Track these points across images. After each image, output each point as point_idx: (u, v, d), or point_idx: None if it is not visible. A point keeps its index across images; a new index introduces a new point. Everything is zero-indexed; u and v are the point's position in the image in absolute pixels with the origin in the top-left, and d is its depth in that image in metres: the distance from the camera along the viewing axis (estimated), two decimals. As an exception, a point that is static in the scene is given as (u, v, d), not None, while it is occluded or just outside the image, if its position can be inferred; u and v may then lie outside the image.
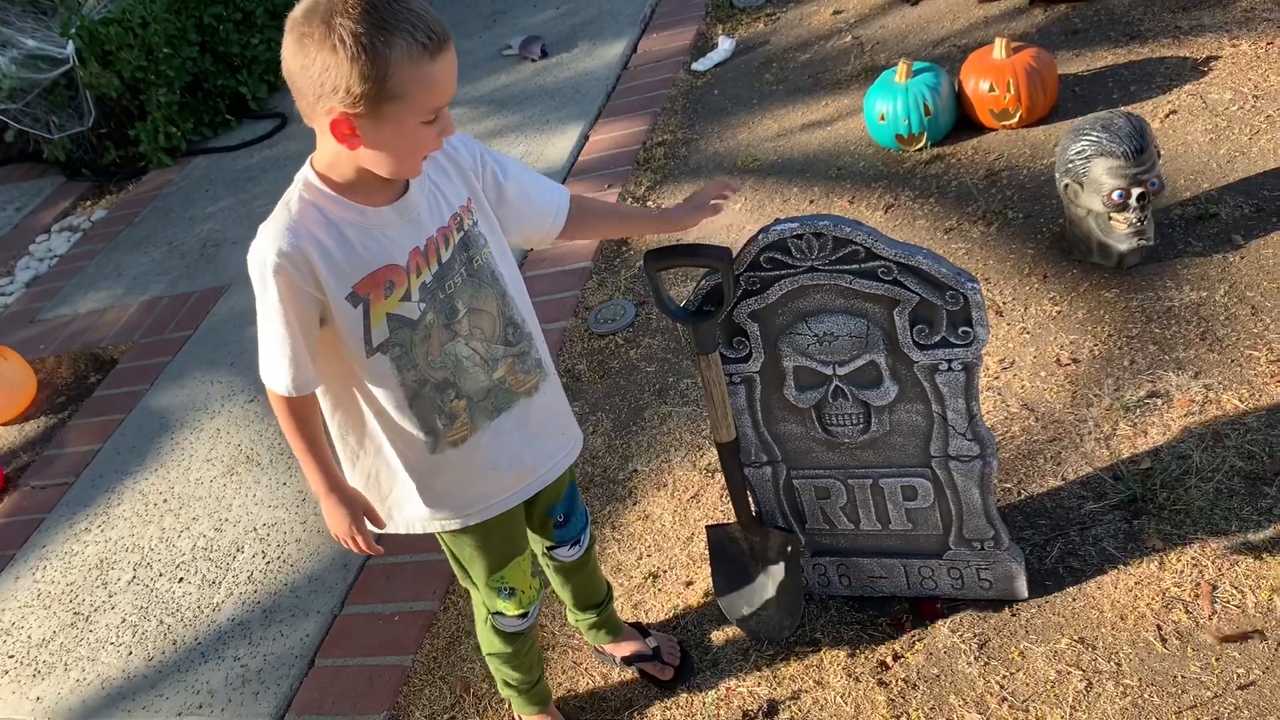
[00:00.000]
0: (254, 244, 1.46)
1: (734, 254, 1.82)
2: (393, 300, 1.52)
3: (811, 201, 3.44)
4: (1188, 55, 3.45)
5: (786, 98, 4.12)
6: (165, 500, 3.15)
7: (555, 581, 2.07)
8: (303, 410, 1.58)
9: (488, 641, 1.98)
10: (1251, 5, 3.57)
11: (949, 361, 1.83)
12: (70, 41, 5.21)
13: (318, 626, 2.55)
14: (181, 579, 2.84)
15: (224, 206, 4.88)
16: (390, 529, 1.73)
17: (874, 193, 3.36)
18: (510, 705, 2.15)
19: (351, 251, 1.48)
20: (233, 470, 3.16)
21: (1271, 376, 2.31)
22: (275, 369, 1.52)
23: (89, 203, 5.55)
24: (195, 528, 3.00)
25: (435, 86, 1.37)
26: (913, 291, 1.78)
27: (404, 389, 1.58)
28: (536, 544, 1.98)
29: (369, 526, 1.66)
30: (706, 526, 2.15)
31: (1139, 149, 2.58)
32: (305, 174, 1.49)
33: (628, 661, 2.17)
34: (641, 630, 2.20)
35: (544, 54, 5.15)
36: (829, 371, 1.89)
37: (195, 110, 5.61)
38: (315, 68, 1.32)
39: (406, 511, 1.72)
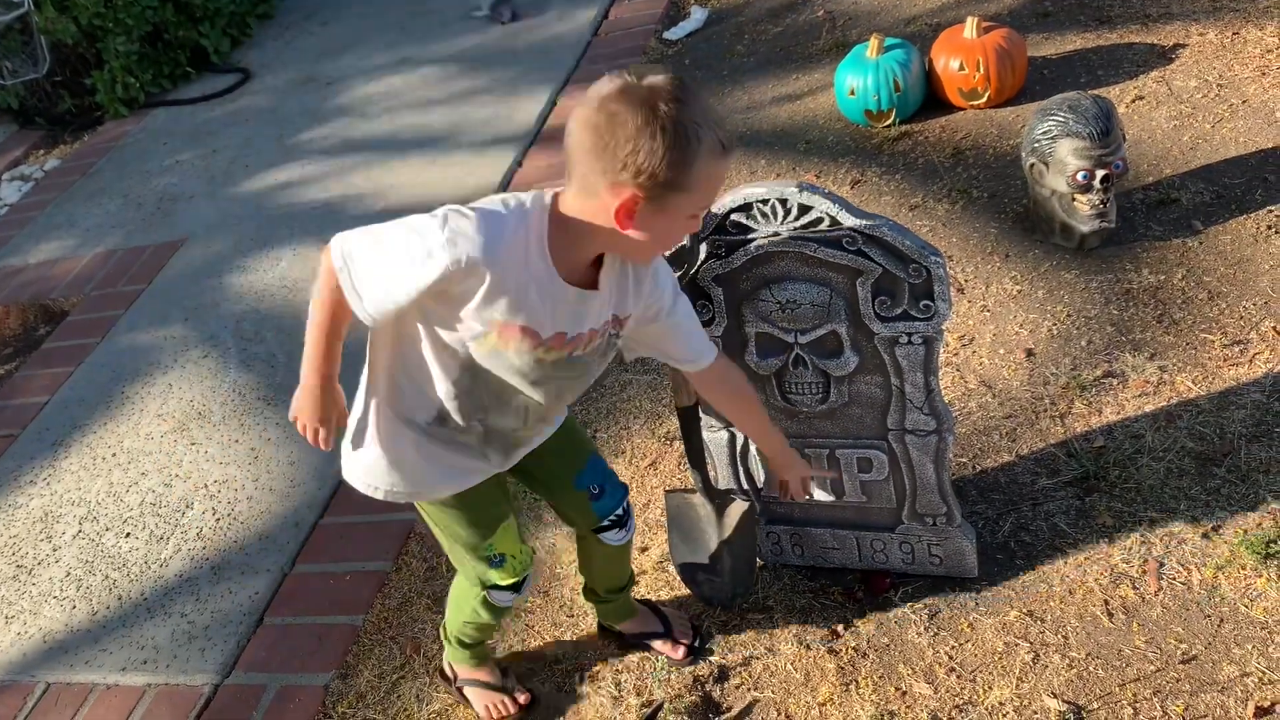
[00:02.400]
0: (458, 222, 1.37)
1: (699, 217, 1.80)
2: (510, 346, 1.49)
3: (779, 174, 3.43)
4: (1155, 42, 3.47)
5: (757, 70, 4.10)
6: (114, 454, 3.09)
7: (586, 563, 2.02)
8: (345, 319, 1.51)
9: (474, 614, 1.92)
10: (1219, -5, 3.60)
11: (909, 335, 1.83)
12: (26, -16, 5.07)
13: (267, 584, 2.52)
14: (128, 534, 2.79)
15: (182, 160, 4.79)
16: (362, 488, 1.70)
17: (841, 167, 3.36)
18: (446, 653, 2.13)
19: (517, 303, 1.44)
20: (184, 426, 3.11)
21: (1225, 360, 2.34)
22: (373, 293, 1.42)
23: (42, 152, 5.42)
24: (144, 483, 2.95)
25: (717, 185, 1.41)
26: (876, 263, 1.77)
27: (456, 385, 1.56)
28: (582, 527, 1.92)
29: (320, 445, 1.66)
30: (665, 491, 2.15)
31: (1105, 131, 2.59)
32: (545, 206, 1.44)
33: (638, 639, 2.13)
34: (653, 608, 2.16)
35: (514, 17, 5.08)
36: (790, 339, 1.89)
37: (155, 61, 5.48)
38: (625, 148, 1.30)
39: (375, 477, 1.68)
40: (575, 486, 1.86)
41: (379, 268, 1.42)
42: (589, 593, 2.10)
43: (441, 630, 2.08)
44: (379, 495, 1.69)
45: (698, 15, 4.61)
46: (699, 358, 1.71)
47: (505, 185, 3.82)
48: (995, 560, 2.09)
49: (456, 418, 1.60)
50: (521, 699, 2.09)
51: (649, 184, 1.32)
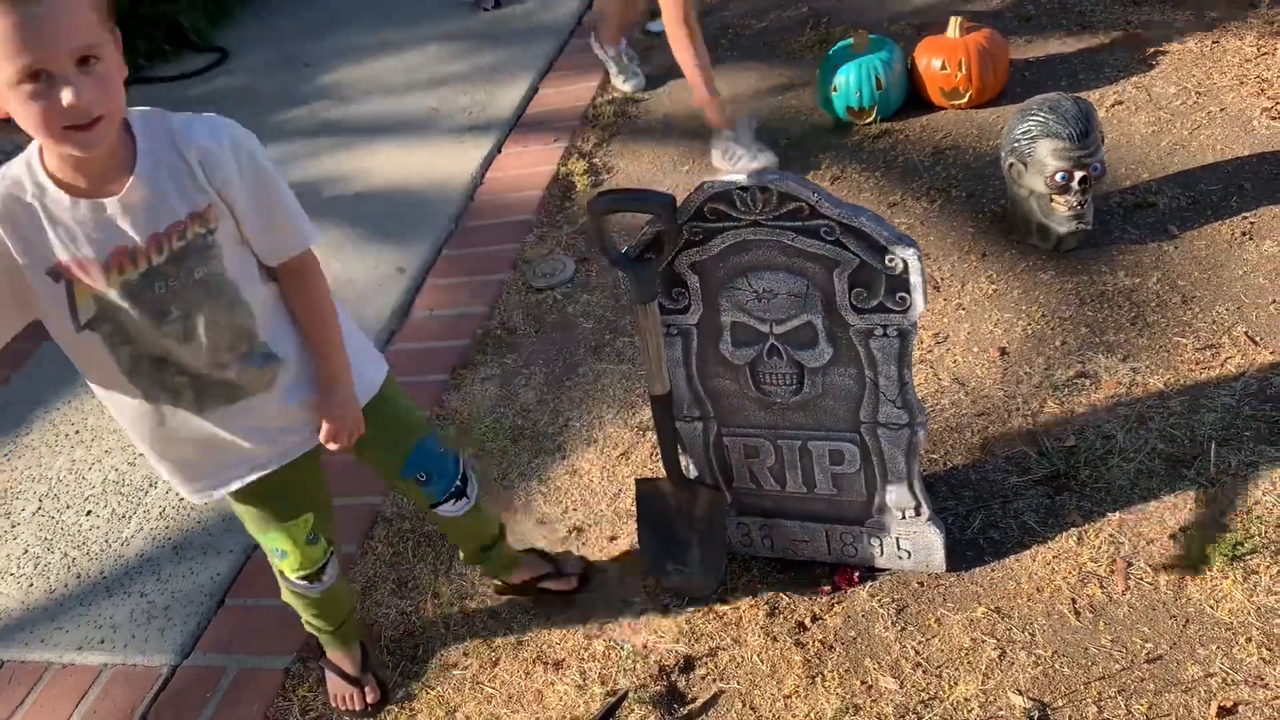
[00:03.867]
0: None
1: (678, 202, 1.79)
2: (90, 293, 1.45)
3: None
4: (1136, 49, 3.49)
5: (740, 64, 4.08)
6: (77, 432, 3.04)
7: (445, 532, 2.07)
8: None
9: (289, 596, 1.99)
10: (1200, 3, 3.63)
11: (884, 327, 1.82)
12: (0, -46, 4.98)
13: (229, 565, 2.49)
14: (89, 512, 2.74)
15: (156, 137, 4.72)
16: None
17: (822, 164, 3.35)
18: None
19: (27, 243, 1.39)
20: (150, 405, 3.06)
21: (1197, 363, 2.35)
22: None
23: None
24: (107, 461, 2.90)
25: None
26: (853, 254, 1.76)
27: (118, 364, 1.52)
28: (421, 505, 1.97)
29: None
30: (635, 479, 2.14)
31: (1084, 132, 2.60)
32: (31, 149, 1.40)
33: (530, 584, 2.16)
34: (539, 553, 2.21)
35: (497, 4, 5.05)
36: (766, 329, 1.88)
37: (130, 38, 5.37)
38: None
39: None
40: (401, 476, 1.88)
41: None
42: (467, 556, 2.13)
43: None
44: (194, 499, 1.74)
45: (682, 8, 4.58)
46: (286, 248, 1.58)
47: (483, 171, 3.79)
48: (964, 556, 2.09)
49: (159, 393, 1.56)
50: (370, 697, 2.07)
51: None
